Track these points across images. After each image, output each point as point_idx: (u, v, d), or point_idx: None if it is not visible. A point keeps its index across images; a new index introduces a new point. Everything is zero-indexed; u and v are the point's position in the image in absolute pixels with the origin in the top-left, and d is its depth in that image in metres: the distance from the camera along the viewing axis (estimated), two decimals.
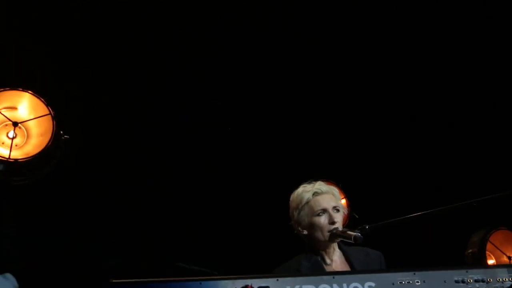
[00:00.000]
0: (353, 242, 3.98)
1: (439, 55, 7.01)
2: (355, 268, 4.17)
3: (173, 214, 6.60)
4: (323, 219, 4.20)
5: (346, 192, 7.18)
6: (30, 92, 5.76)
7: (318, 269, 4.14)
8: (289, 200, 4.41)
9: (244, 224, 6.75)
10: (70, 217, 6.14)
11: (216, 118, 6.86)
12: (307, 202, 4.27)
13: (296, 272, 4.04)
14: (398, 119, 7.33)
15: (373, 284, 3.23)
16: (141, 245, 6.43)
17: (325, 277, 3.24)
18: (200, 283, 3.14)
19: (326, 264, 4.22)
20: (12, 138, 5.77)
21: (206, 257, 6.25)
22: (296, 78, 7.00)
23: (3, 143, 5.77)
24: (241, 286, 3.12)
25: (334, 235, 4.16)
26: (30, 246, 5.94)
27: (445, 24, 6.73)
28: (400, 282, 3.24)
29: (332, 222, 4.18)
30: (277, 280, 3.19)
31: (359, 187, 7.21)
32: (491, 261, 7.16)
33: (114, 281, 3.06)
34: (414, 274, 3.27)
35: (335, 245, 4.27)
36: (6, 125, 5.79)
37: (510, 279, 3.32)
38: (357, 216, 7.13)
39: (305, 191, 4.33)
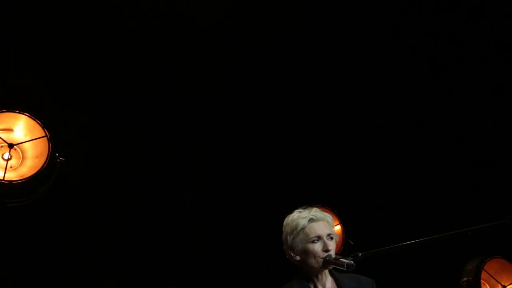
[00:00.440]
0: (345, 269, 3.97)
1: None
2: None
3: (165, 241, 6.60)
4: (317, 246, 4.19)
5: (341, 218, 7.17)
6: (26, 114, 5.78)
7: None
8: (282, 225, 4.39)
9: (237, 249, 6.72)
10: (64, 241, 6.14)
11: (213, 144, 6.87)
12: (302, 229, 4.25)
13: None
14: (392, 147, 7.34)
15: None
16: (134, 271, 6.43)
17: None
18: None
19: None
20: (7, 160, 5.77)
21: (197, 284, 6.27)
22: (290, 105, 7.02)
23: None
24: None
25: (327, 262, 4.15)
26: (22, 269, 5.94)
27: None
28: None
29: (326, 249, 4.18)
30: None
31: (355, 214, 7.20)
32: None
33: None
34: None
35: (327, 272, 4.26)
36: (2, 146, 5.79)
37: None
38: (352, 243, 7.12)
39: (300, 217, 4.32)
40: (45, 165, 5.75)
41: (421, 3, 6.62)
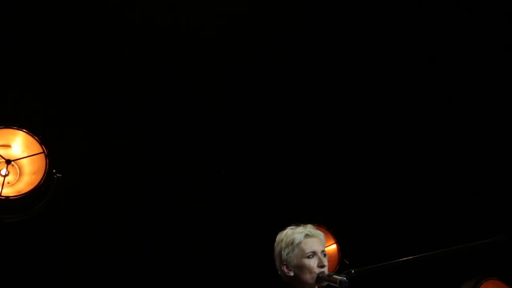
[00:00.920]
0: (338, 286, 3.98)
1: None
2: None
3: (163, 255, 6.61)
4: (313, 262, 4.22)
5: (337, 237, 7.18)
6: (24, 130, 5.83)
7: None
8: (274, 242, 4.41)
9: (229, 273, 6.74)
10: (60, 256, 6.15)
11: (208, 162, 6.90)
12: (299, 243, 4.28)
13: None
14: (387, 167, 7.36)
15: None
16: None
17: None
18: None
19: None
20: (4, 176, 5.80)
21: None
22: (289, 122, 7.06)
23: None
24: None
25: (320, 279, 4.17)
26: (18, 286, 5.94)
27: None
28: None
29: (321, 265, 4.21)
30: None
31: (350, 233, 7.20)
32: None
33: None
34: None
35: None
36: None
37: None
38: (347, 262, 7.12)
39: (296, 232, 4.35)
40: (42, 181, 5.79)
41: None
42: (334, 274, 4.11)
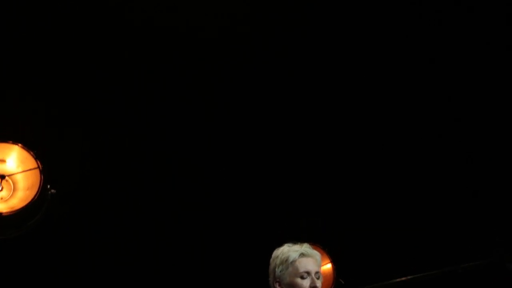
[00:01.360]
0: None
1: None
2: None
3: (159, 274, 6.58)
4: (305, 282, 4.17)
5: (332, 257, 7.14)
6: (19, 145, 5.78)
7: None
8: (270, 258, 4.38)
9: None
10: (54, 274, 6.12)
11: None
12: (293, 262, 4.24)
13: None
14: (382, 185, 7.33)
15: None
16: None
17: None
18: None
19: None
20: None
21: None
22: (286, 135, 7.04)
23: None
24: None
25: None
26: None
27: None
28: None
29: (313, 286, 4.17)
30: None
31: (346, 253, 7.17)
32: None
33: None
34: None
35: None
36: None
37: None
38: (343, 282, 7.08)
39: (292, 250, 4.30)
40: (36, 197, 5.73)
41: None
42: None
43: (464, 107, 6.99)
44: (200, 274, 6.68)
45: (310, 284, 4.16)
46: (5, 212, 5.68)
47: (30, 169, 5.78)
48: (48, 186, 5.83)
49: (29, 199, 5.72)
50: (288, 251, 4.29)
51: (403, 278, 4.11)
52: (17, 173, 5.80)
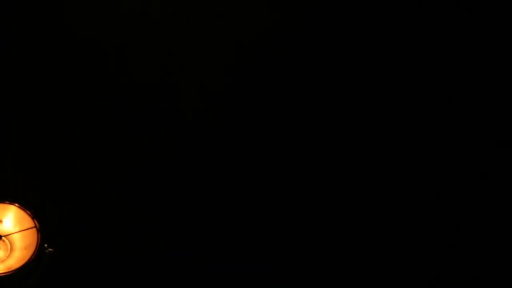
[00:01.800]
0: None
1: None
2: None
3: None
4: None
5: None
6: (16, 205, 5.79)
7: None
8: None
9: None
10: None
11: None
12: None
13: None
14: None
15: None
16: None
17: None
18: None
19: None
20: None
21: None
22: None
23: None
24: None
25: None
26: None
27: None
28: None
29: None
30: None
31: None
32: None
33: None
34: None
35: None
36: None
37: None
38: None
39: None
40: (33, 257, 5.72)
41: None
42: None
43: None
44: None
45: None
46: (2, 273, 5.66)
47: (27, 229, 5.80)
48: (46, 245, 5.85)
49: (26, 259, 5.70)
50: None
51: None
52: (14, 233, 5.81)
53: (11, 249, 5.85)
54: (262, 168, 7.04)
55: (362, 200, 7.23)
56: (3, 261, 5.79)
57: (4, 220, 5.82)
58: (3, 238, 5.78)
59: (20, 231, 5.80)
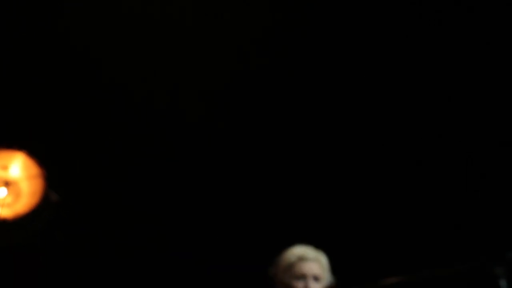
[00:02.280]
0: None
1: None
2: None
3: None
4: (300, 285, 4.28)
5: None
6: (23, 151, 5.84)
7: None
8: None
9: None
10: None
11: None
12: (290, 264, 4.40)
13: None
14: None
15: None
16: None
17: None
18: None
19: None
20: (3, 198, 5.75)
21: None
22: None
23: None
24: None
25: None
26: None
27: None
28: None
29: None
30: None
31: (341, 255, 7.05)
32: None
33: None
34: None
35: None
36: None
37: None
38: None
39: (292, 253, 4.51)
40: (40, 203, 5.77)
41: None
42: None
43: (464, 107, 7.10)
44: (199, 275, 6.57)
45: (304, 287, 4.32)
46: (10, 218, 5.67)
47: (34, 175, 5.80)
48: (53, 193, 5.84)
49: (33, 205, 5.76)
50: (290, 253, 4.50)
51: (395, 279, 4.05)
52: (21, 179, 5.84)
53: (18, 195, 5.87)
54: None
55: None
56: (10, 206, 5.75)
57: (11, 167, 5.84)
58: (11, 184, 5.76)
59: (27, 177, 5.83)
